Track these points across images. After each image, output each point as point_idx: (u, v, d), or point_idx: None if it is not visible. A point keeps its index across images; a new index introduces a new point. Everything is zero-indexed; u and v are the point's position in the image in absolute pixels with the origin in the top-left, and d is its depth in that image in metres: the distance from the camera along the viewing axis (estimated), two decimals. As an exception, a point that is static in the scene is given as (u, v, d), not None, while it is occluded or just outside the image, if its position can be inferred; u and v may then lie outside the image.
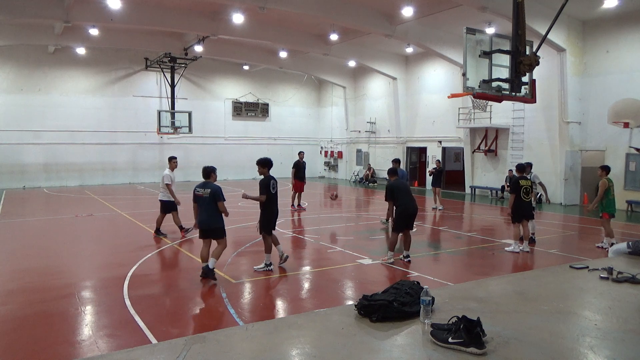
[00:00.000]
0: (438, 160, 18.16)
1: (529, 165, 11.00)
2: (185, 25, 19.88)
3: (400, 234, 8.98)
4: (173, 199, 11.06)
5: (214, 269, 7.58)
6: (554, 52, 17.25)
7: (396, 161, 12.83)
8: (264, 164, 8.18)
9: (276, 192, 8.21)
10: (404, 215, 8.76)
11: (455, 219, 15.10)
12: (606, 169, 10.07)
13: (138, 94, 26.69)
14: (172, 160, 11.35)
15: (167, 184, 10.98)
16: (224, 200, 7.63)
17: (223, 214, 7.60)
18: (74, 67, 24.93)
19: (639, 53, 16.12)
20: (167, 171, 11.12)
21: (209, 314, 6.43)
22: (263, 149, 28.81)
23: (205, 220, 7.54)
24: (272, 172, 8.34)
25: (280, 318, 5.76)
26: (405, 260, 8.91)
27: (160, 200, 11.30)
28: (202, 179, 7.83)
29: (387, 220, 13.06)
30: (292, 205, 15.96)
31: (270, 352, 2.40)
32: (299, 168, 16.06)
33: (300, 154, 16.65)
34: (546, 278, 3.95)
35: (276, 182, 8.20)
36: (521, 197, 9.80)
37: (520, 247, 9.90)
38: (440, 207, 16.44)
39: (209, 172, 7.82)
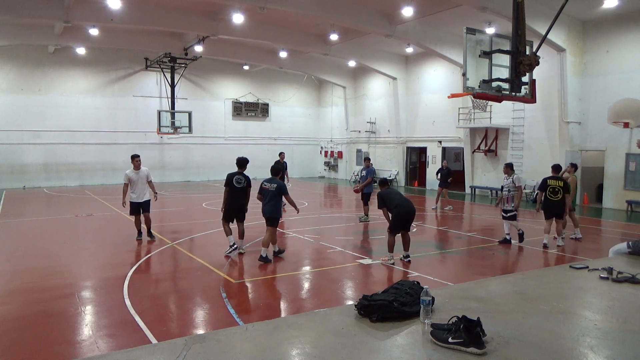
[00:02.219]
0: (446, 161, 18.07)
1: (509, 165, 10.92)
2: (185, 25, 19.89)
3: (398, 235, 8.96)
4: (142, 201, 10.40)
5: (267, 255, 8.85)
6: (554, 52, 17.26)
7: (367, 159, 14.33)
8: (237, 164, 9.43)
9: (241, 187, 9.19)
10: (401, 216, 8.70)
11: (455, 219, 15.10)
12: (575, 167, 11.30)
13: (138, 94, 26.70)
14: (134, 159, 10.50)
15: (124, 184, 10.39)
16: (288, 194, 9.10)
17: (293, 207, 9.23)
18: (74, 67, 24.94)
19: (638, 53, 16.12)
20: (127, 170, 10.52)
21: (209, 314, 6.43)
22: (263, 149, 28.85)
23: (268, 210, 8.87)
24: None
25: (280, 318, 5.76)
26: (405, 260, 8.91)
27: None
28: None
29: (365, 215, 13.63)
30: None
31: (270, 352, 2.40)
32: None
33: (281, 154, 16.83)
34: (546, 278, 3.95)
35: (244, 179, 9.21)
36: (547, 196, 10.24)
37: (545, 241, 10.31)
38: (448, 207, 16.47)
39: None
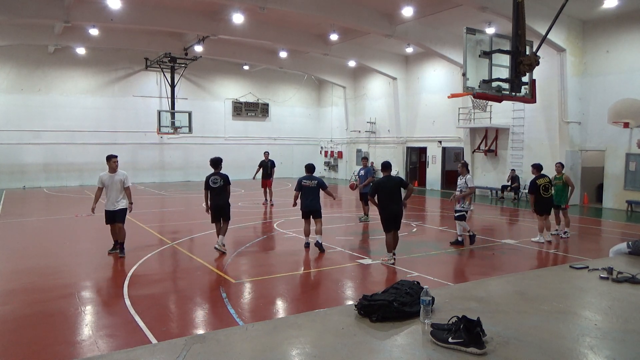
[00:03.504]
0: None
1: (465, 165, 10.82)
2: (185, 25, 19.88)
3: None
4: (114, 209, 9.08)
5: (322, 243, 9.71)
6: (554, 52, 17.25)
7: (365, 158, 14.34)
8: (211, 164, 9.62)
9: (218, 187, 9.41)
10: (385, 218, 8.72)
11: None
12: (563, 165, 11.81)
13: (138, 94, 26.70)
14: (111, 160, 9.15)
15: (98, 187, 9.15)
16: (327, 187, 10.03)
17: (330, 197, 10.56)
18: (74, 67, 24.93)
19: (638, 53, 16.11)
20: (102, 173, 9.24)
21: (209, 314, 6.43)
22: (263, 149, 28.79)
23: (309, 205, 9.80)
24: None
25: (280, 318, 5.76)
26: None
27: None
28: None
29: (365, 215, 13.59)
30: (265, 200, 17.43)
31: (270, 352, 2.40)
32: (264, 167, 17.45)
33: (265, 153, 18.01)
34: (546, 278, 3.95)
35: (219, 178, 9.43)
36: (541, 194, 10.68)
37: (544, 239, 10.68)
38: (472, 208, 16.42)
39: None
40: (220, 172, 9.56)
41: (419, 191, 23.44)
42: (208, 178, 9.50)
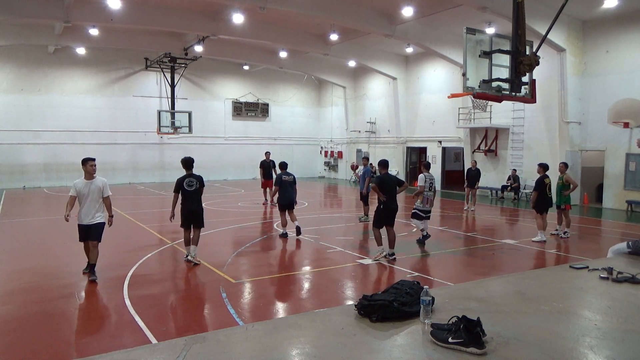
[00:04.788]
0: (474, 161, 17.90)
1: (426, 165, 11.07)
2: (185, 25, 19.88)
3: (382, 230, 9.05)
4: (89, 223, 7.50)
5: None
6: (554, 52, 17.25)
7: (365, 158, 14.48)
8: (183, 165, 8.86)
9: (194, 190, 8.63)
10: (385, 214, 8.86)
11: (455, 219, 15.10)
12: (567, 166, 11.79)
13: (138, 94, 26.70)
14: (87, 164, 7.73)
15: (70, 196, 7.60)
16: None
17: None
18: (74, 67, 24.93)
19: (638, 53, 16.11)
20: (77, 180, 7.77)
21: (209, 314, 6.43)
22: (263, 149, 28.76)
23: (290, 197, 10.92)
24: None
25: (280, 318, 5.76)
26: (390, 258, 8.92)
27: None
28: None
29: (365, 215, 13.58)
30: (265, 200, 17.37)
31: (270, 352, 2.40)
32: (265, 167, 17.40)
33: (267, 154, 18.02)
34: (546, 278, 3.95)
35: (195, 180, 8.66)
36: (545, 192, 10.91)
37: (545, 237, 10.85)
38: (472, 209, 16.44)
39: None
40: (195, 173, 8.76)
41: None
42: (182, 180, 8.55)
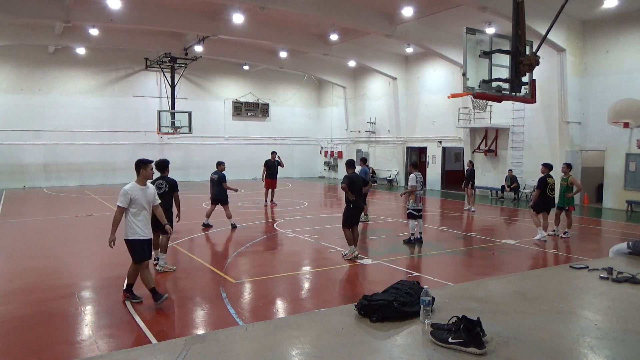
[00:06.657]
0: (470, 161, 17.85)
1: (413, 164, 11.13)
2: (185, 25, 19.88)
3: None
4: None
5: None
6: (554, 52, 17.25)
7: (363, 159, 14.35)
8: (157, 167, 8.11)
9: (163, 193, 7.92)
10: (354, 212, 8.99)
11: (455, 219, 15.10)
12: (570, 167, 11.63)
13: (138, 94, 26.70)
14: (147, 167, 6.55)
15: (119, 207, 6.59)
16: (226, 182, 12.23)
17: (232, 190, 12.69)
18: (74, 67, 24.94)
19: (638, 53, 16.11)
20: (127, 185, 6.57)
21: (209, 314, 6.43)
22: (263, 149, 28.83)
23: (220, 193, 12.23)
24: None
25: (280, 318, 5.76)
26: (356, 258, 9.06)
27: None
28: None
29: (365, 215, 13.52)
30: (265, 202, 16.97)
31: (270, 352, 2.40)
32: (270, 167, 16.99)
33: (273, 154, 17.53)
34: (546, 278, 3.95)
35: (165, 183, 8.15)
36: (547, 192, 10.97)
37: (545, 236, 10.92)
38: (473, 209, 16.43)
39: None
40: (167, 176, 8.26)
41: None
42: (152, 182, 7.63)
